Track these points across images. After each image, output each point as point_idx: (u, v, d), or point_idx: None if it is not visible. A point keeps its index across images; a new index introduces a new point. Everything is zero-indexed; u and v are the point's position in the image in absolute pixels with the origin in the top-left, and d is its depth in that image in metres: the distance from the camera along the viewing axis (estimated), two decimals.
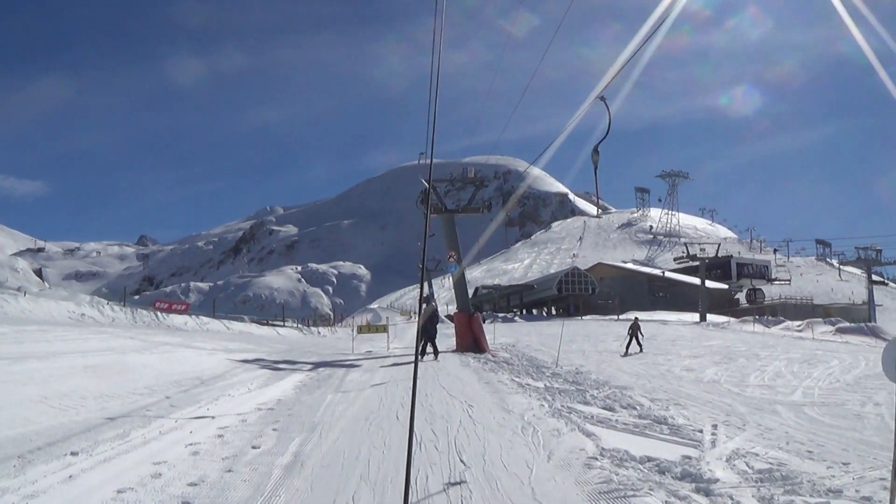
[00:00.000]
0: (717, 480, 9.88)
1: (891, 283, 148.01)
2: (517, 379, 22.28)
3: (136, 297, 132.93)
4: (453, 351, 35.60)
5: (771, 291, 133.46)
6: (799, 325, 62.47)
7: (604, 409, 16.28)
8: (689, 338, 47.27)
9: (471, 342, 35.78)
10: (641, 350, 34.82)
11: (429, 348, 31.96)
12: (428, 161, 37.13)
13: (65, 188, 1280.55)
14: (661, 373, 26.20)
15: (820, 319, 68.81)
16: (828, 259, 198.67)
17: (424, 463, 10.80)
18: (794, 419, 15.63)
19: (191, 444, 11.94)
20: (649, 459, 10.96)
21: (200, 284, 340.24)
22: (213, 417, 14.66)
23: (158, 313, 50.76)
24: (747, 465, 10.85)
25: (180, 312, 56.03)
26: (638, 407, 16.60)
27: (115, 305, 49.56)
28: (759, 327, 62.44)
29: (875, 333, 55.14)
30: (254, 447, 11.88)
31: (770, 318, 73.13)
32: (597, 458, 11.04)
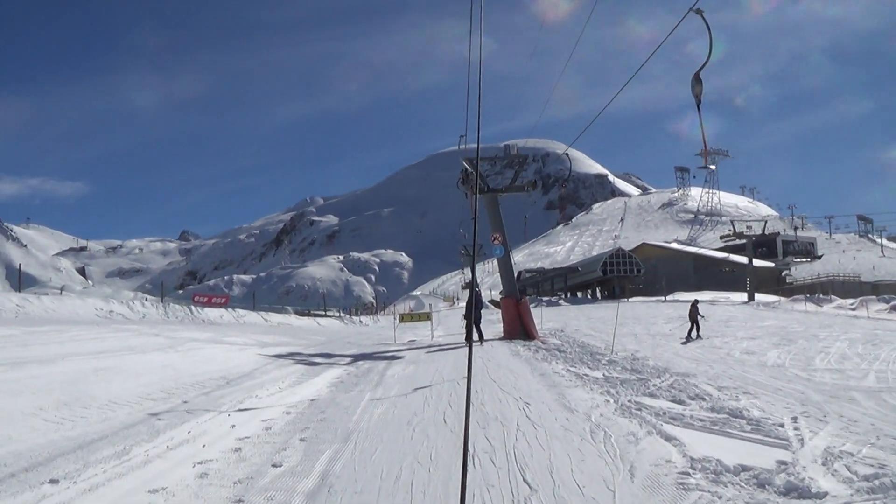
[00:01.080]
0: (825, 494, 8.30)
1: None
2: (573, 369, 20.44)
3: (180, 291, 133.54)
4: (500, 338, 33.93)
5: (813, 269, 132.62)
6: (852, 304, 62.45)
7: (672, 401, 14.67)
8: (742, 318, 46.04)
9: (519, 329, 34.00)
10: (700, 336, 32.97)
11: (473, 334, 30.49)
12: (467, 145, 35.58)
13: (106, 188, 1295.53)
14: (721, 357, 24.87)
15: (874, 297, 68.37)
16: (870, 235, 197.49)
17: (479, 484, 8.87)
18: (875, 408, 14.23)
19: (200, 463, 10.08)
20: (744, 469, 9.33)
21: (243, 277, 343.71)
22: (233, 426, 12.75)
23: (193, 308, 49.29)
24: (849, 470, 9.29)
25: (220, 306, 54.90)
26: (706, 398, 15.01)
27: (147, 301, 48.31)
28: (810, 306, 61.83)
29: None
30: (274, 465, 10.00)
31: (821, 296, 72.17)
32: (688, 473, 9.21)
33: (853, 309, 58.58)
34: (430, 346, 32.01)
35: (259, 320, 53.37)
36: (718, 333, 34.25)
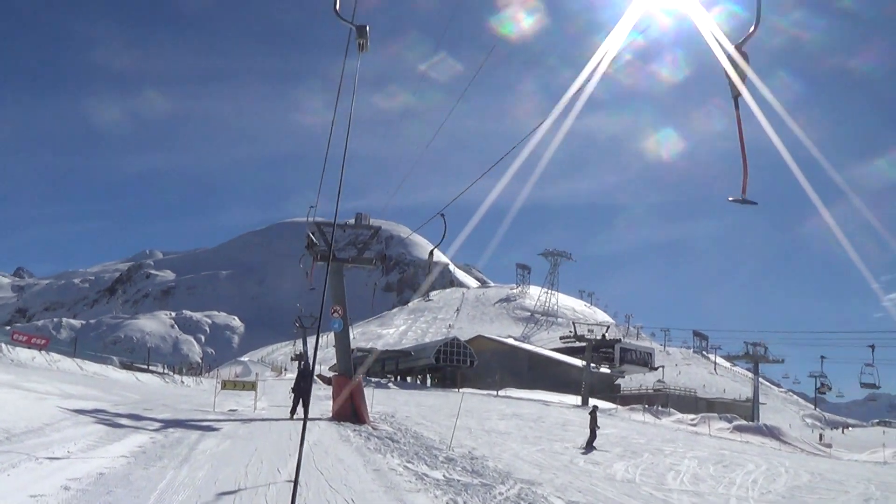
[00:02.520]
0: None
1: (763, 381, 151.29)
2: (410, 465, 18.34)
3: (7, 328, 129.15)
4: (329, 419, 31.43)
5: (647, 380, 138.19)
6: (693, 419, 64.37)
7: None
8: (579, 423, 45.39)
9: (350, 411, 31.73)
10: (594, 447, 31.31)
11: (299, 407, 29.56)
12: (316, 218, 34.00)
13: None
14: (564, 464, 24.03)
15: (715, 415, 70.25)
16: (704, 352, 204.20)
17: None
18: None
19: None
20: None
21: (73, 321, 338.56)
22: None
23: (4, 346, 46.01)
24: None
25: (39, 347, 52.42)
26: None
27: None
28: (649, 417, 63.77)
29: (774, 435, 55.77)
30: None
31: (660, 408, 73.51)
32: None
33: (693, 425, 60.08)
34: (251, 419, 29.60)
35: (74, 368, 49.99)
36: (558, 438, 33.73)
